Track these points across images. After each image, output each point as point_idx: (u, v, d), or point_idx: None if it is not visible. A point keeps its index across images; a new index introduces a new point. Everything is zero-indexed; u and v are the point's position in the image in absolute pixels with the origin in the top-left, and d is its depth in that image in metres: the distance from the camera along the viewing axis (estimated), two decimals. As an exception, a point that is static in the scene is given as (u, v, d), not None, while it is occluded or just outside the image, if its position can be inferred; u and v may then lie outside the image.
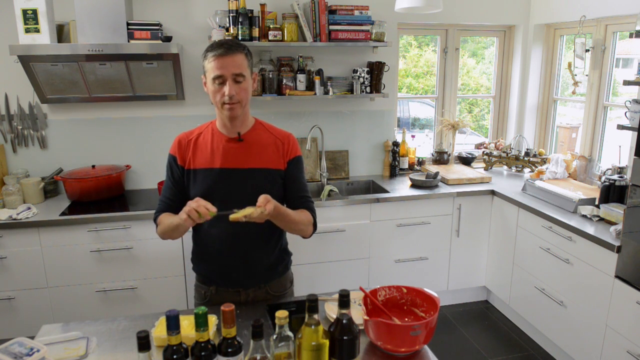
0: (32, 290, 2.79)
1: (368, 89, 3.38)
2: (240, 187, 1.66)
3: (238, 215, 1.48)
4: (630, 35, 3.06)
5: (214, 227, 1.69)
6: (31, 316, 2.82)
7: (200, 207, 1.48)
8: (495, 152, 3.78)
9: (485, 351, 3.00)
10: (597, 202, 2.78)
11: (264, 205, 1.50)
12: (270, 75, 3.19)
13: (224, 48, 1.58)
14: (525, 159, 3.66)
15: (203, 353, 1.15)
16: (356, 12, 3.20)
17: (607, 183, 2.73)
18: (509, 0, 3.70)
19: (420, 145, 3.94)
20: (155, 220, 1.76)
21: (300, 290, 1.96)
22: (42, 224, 2.70)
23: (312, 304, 1.20)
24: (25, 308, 2.81)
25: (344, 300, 1.22)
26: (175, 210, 1.76)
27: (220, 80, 1.57)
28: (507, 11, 3.72)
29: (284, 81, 3.21)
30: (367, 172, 3.75)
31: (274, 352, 1.20)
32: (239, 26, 2.98)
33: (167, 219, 1.70)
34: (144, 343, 1.09)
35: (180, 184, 1.73)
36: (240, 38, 3.00)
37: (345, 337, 1.22)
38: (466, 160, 3.85)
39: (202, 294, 1.81)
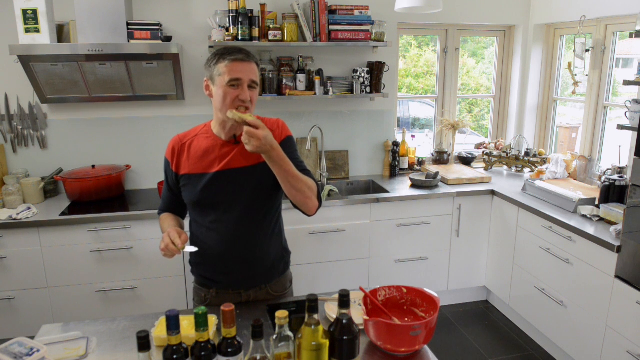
0: (32, 290, 2.79)
1: (368, 89, 3.38)
2: (238, 186, 1.65)
3: (236, 114, 1.49)
4: (630, 35, 3.05)
5: (213, 231, 1.69)
6: (31, 316, 2.82)
7: (167, 248, 1.52)
8: (495, 152, 3.78)
9: (485, 351, 3.00)
10: (597, 202, 2.78)
11: (253, 125, 1.44)
12: (270, 75, 3.19)
13: (244, 54, 1.58)
14: (525, 159, 3.66)
15: (203, 353, 1.15)
16: (356, 12, 3.20)
17: (607, 183, 2.73)
18: (509, 0, 3.70)
19: (420, 145, 3.94)
20: (159, 214, 1.85)
21: (300, 290, 1.97)
22: (42, 224, 2.70)
23: (312, 304, 1.20)
24: (25, 308, 2.81)
25: (344, 300, 1.22)
26: (174, 210, 1.83)
27: (237, 83, 1.56)
28: (507, 11, 3.73)
29: (284, 81, 3.21)
30: (367, 172, 3.75)
31: (274, 352, 1.20)
32: (239, 26, 2.98)
33: (164, 223, 1.76)
34: (144, 343, 1.09)
35: (175, 188, 1.75)
36: (240, 38, 3.00)
37: (345, 337, 1.22)
38: (466, 160, 3.85)
39: (202, 297, 1.80)
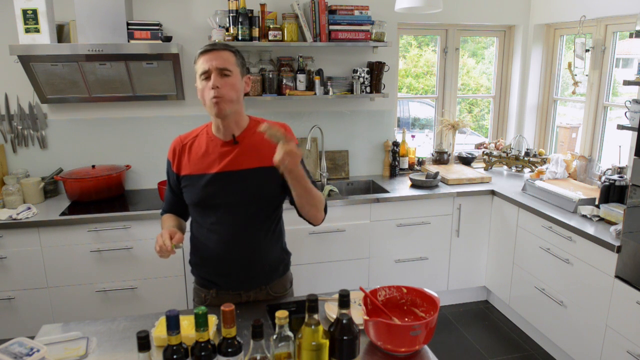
0: (32, 290, 2.79)
1: (368, 89, 3.38)
2: (239, 189, 1.65)
3: (273, 130, 1.40)
4: (630, 35, 3.05)
5: (214, 232, 1.68)
6: (31, 316, 2.82)
7: (161, 250, 1.51)
8: (495, 152, 3.78)
9: (485, 351, 3.00)
10: (597, 202, 2.78)
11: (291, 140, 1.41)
12: (270, 75, 3.19)
13: (210, 45, 1.61)
14: (525, 159, 3.66)
15: (203, 353, 1.15)
16: (356, 12, 3.20)
17: (607, 183, 2.73)
18: (509, 0, 3.70)
19: (420, 145, 3.94)
20: (162, 215, 1.84)
21: (300, 290, 1.97)
22: (42, 224, 2.70)
23: (312, 304, 1.20)
24: (25, 308, 2.81)
25: (344, 300, 1.22)
26: (177, 212, 1.82)
27: (206, 75, 1.57)
28: (507, 11, 3.72)
29: (284, 81, 3.21)
30: (367, 172, 3.75)
31: (274, 352, 1.20)
32: (239, 26, 2.98)
33: (163, 224, 1.76)
34: (144, 343, 1.09)
35: (176, 189, 1.75)
36: (240, 38, 3.00)
37: (345, 337, 1.22)
38: (466, 160, 3.85)
39: (202, 297, 1.80)
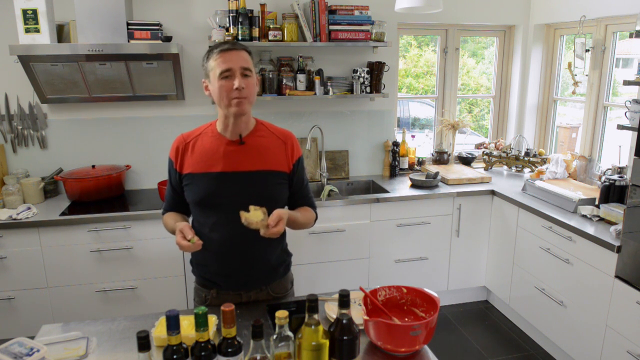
0: (32, 290, 2.79)
1: (368, 89, 3.38)
2: (242, 190, 1.65)
3: (248, 217, 1.50)
4: (630, 35, 3.05)
5: (215, 232, 1.68)
6: (31, 316, 2.82)
7: (184, 246, 1.55)
8: (495, 152, 3.78)
9: (485, 351, 3.00)
10: (597, 202, 2.78)
11: (272, 226, 1.52)
12: (270, 75, 3.19)
13: (230, 44, 1.60)
14: (525, 159, 3.66)
15: (203, 353, 1.15)
16: (356, 12, 3.20)
17: (607, 183, 2.73)
18: (509, 0, 3.70)
19: (420, 145, 3.94)
20: (163, 214, 1.83)
21: (300, 290, 1.97)
22: (42, 224, 2.70)
23: (312, 304, 1.20)
24: (25, 308, 2.81)
25: (344, 300, 1.22)
26: (179, 210, 1.81)
27: (229, 73, 1.56)
28: (507, 11, 3.73)
29: (284, 81, 3.21)
30: (367, 172, 3.75)
31: (274, 352, 1.20)
32: (239, 26, 2.98)
33: (170, 220, 1.75)
34: (144, 343, 1.09)
35: (178, 188, 1.74)
36: (240, 38, 3.00)
37: (345, 337, 1.22)
38: (466, 160, 3.85)
39: (202, 297, 1.80)
